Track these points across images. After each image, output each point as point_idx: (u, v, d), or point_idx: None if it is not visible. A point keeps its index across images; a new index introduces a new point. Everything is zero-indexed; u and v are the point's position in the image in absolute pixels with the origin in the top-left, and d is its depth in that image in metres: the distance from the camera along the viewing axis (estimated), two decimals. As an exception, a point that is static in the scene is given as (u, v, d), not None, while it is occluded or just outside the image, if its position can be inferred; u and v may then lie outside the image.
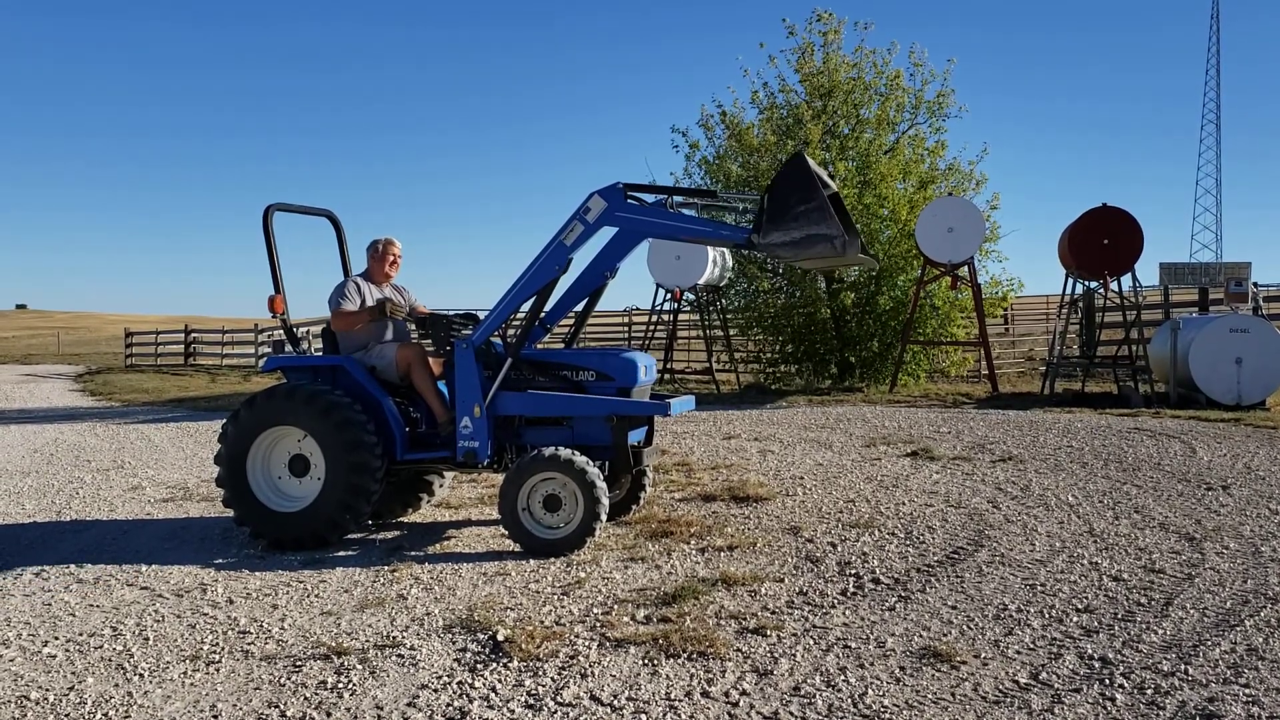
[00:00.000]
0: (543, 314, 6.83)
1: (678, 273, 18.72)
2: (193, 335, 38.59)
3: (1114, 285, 16.46)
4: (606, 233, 6.63)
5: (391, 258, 7.30)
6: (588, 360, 6.88)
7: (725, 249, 19.84)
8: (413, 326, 7.37)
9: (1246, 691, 3.99)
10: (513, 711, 3.96)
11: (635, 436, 7.00)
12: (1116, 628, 4.77)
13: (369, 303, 7.05)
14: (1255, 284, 17.79)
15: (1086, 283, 17.22)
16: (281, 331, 7.51)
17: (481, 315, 7.21)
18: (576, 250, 6.56)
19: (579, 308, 7.14)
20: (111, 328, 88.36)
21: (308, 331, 7.61)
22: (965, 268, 17.81)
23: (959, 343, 20.37)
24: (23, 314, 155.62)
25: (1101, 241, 16.04)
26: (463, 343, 6.69)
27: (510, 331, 7.20)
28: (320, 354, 7.34)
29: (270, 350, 7.65)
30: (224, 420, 7.01)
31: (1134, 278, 16.63)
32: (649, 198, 6.59)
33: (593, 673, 4.33)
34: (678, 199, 6.75)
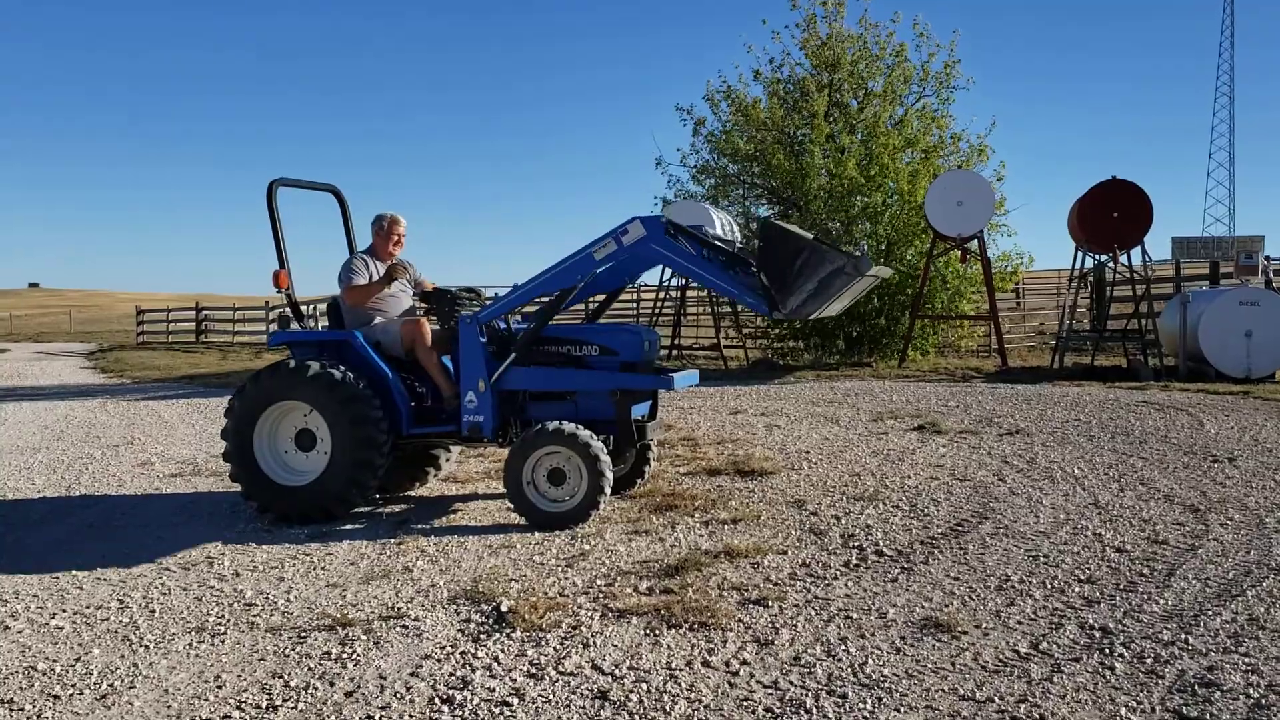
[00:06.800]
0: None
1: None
2: (204, 313, 38.70)
3: (1124, 259, 16.38)
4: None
5: (396, 236, 7.31)
6: (591, 335, 6.88)
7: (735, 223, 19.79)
8: (418, 301, 7.39)
9: (1246, 660, 3.99)
10: (515, 681, 3.98)
11: (639, 411, 7.01)
12: (1118, 598, 4.78)
13: (376, 278, 7.08)
14: (1268, 258, 17.71)
15: (1096, 256, 17.14)
16: (287, 307, 7.51)
17: (485, 291, 7.25)
18: (603, 267, 6.56)
19: (599, 298, 7.37)
20: (123, 306, 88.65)
21: (313, 308, 7.61)
22: (975, 241, 17.73)
23: (969, 317, 20.32)
24: (35, 292, 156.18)
25: (1111, 214, 15.95)
26: (467, 317, 6.71)
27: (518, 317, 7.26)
28: (326, 329, 7.35)
29: (277, 326, 7.68)
30: (232, 396, 7.04)
31: (1144, 251, 16.56)
32: (687, 243, 6.51)
33: (594, 642, 4.36)
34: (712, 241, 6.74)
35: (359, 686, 3.97)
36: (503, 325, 6.94)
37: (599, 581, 5.23)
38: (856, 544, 5.86)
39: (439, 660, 4.22)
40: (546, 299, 6.76)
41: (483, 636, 4.47)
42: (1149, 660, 4.02)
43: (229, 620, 4.79)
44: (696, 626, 4.50)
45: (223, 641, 4.51)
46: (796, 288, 6.02)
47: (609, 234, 6.49)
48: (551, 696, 3.83)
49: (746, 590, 5.01)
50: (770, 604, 4.79)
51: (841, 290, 6.22)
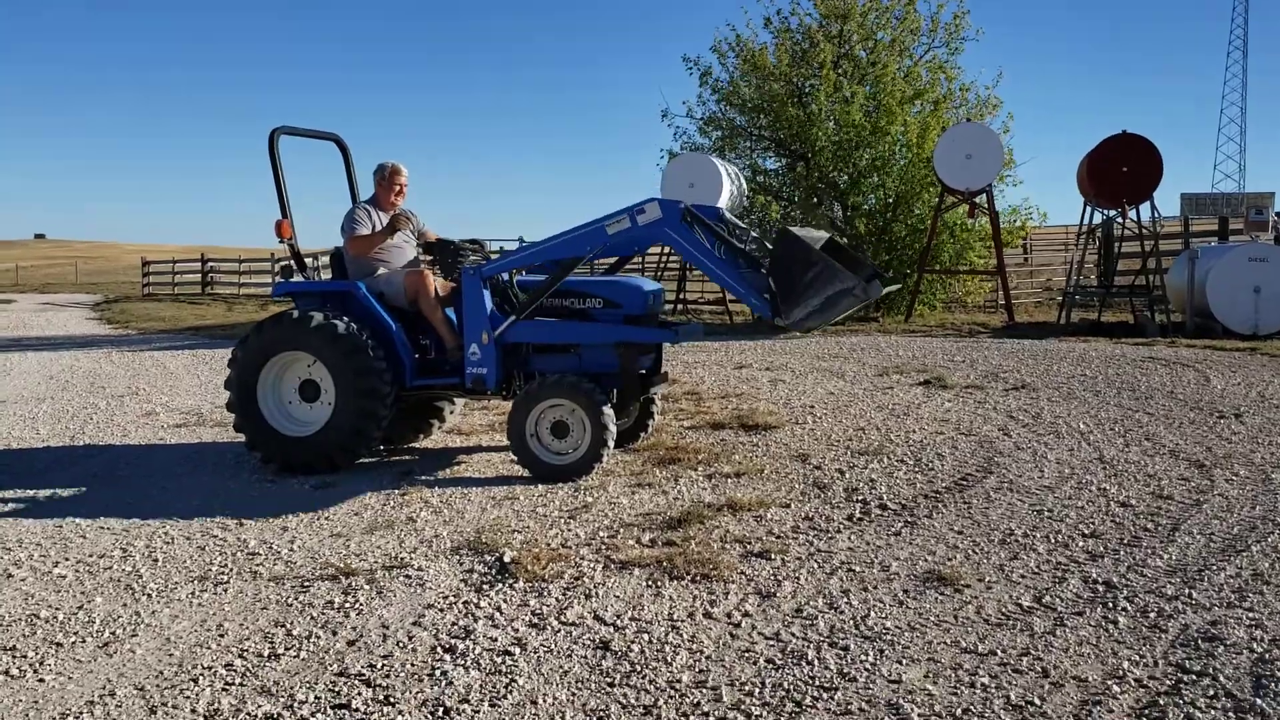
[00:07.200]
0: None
1: (691, 201, 18.55)
2: (210, 264, 38.60)
3: (1132, 214, 16.24)
4: None
5: (397, 186, 7.24)
6: (595, 287, 6.84)
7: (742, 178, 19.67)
8: (422, 252, 7.34)
9: (1250, 615, 3.98)
10: (517, 630, 3.99)
11: (643, 364, 6.98)
12: (1122, 553, 4.77)
13: (379, 228, 7.03)
14: (1278, 214, 17.55)
15: (1105, 211, 17.00)
16: (290, 257, 7.46)
17: (489, 244, 7.20)
18: (613, 241, 6.54)
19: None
20: (129, 258, 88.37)
21: (315, 259, 7.56)
22: (984, 195, 17.59)
23: (976, 271, 20.21)
24: (42, 244, 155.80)
25: (1120, 169, 15.81)
26: (470, 270, 6.66)
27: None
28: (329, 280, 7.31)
29: (280, 276, 7.67)
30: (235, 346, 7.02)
31: (1153, 207, 16.42)
32: (702, 233, 6.40)
33: (597, 593, 4.36)
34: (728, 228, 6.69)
35: (361, 635, 3.98)
36: (505, 278, 6.91)
37: (601, 533, 5.23)
38: (860, 498, 5.85)
39: (441, 610, 4.23)
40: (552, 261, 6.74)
41: (485, 587, 4.48)
42: (1152, 614, 4.01)
43: (232, 569, 4.80)
44: (699, 578, 4.50)
45: (225, 590, 4.52)
46: (803, 301, 5.99)
47: (625, 210, 6.44)
48: (553, 646, 3.84)
49: (749, 543, 5.01)
50: (773, 556, 4.79)
51: (847, 308, 6.17)
